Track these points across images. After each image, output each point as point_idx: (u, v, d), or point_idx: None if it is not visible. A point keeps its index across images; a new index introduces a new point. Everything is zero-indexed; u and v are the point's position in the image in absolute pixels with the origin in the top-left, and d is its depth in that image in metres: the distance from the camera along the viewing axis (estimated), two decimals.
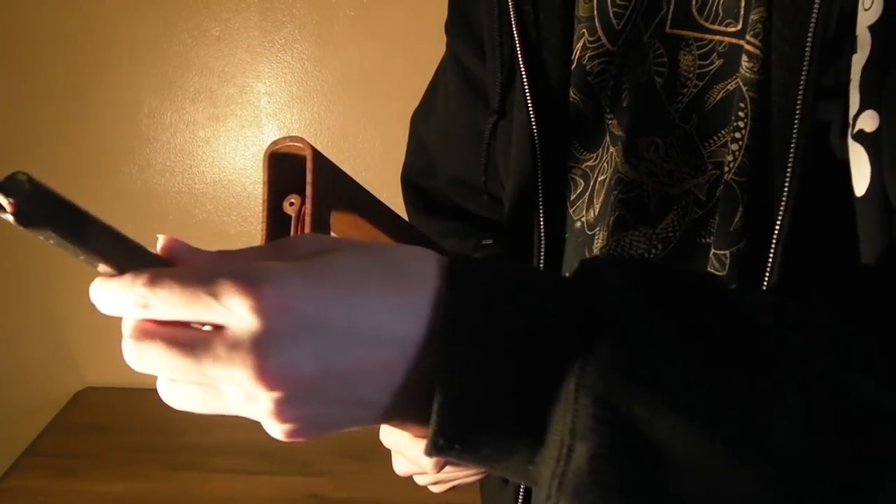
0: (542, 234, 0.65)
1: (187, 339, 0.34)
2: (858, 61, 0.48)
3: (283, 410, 0.35)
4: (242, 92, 1.71)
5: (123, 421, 1.69)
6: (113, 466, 1.53)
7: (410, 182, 0.88)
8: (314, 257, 0.37)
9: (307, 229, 0.48)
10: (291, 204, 0.49)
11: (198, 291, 0.33)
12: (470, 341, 0.36)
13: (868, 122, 0.47)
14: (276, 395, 0.35)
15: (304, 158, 0.49)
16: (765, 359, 0.37)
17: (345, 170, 0.53)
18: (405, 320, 0.36)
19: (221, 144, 1.74)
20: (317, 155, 0.49)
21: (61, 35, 1.67)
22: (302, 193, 0.49)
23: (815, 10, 0.48)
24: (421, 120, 0.86)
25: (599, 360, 0.35)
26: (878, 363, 0.40)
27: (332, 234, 0.53)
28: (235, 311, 0.33)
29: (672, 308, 0.37)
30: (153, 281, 0.34)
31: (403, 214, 0.90)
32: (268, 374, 0.34)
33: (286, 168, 0.50)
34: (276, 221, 0.50)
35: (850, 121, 0.48)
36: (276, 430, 0.37)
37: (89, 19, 1.66)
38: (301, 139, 0.49)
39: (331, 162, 0.51)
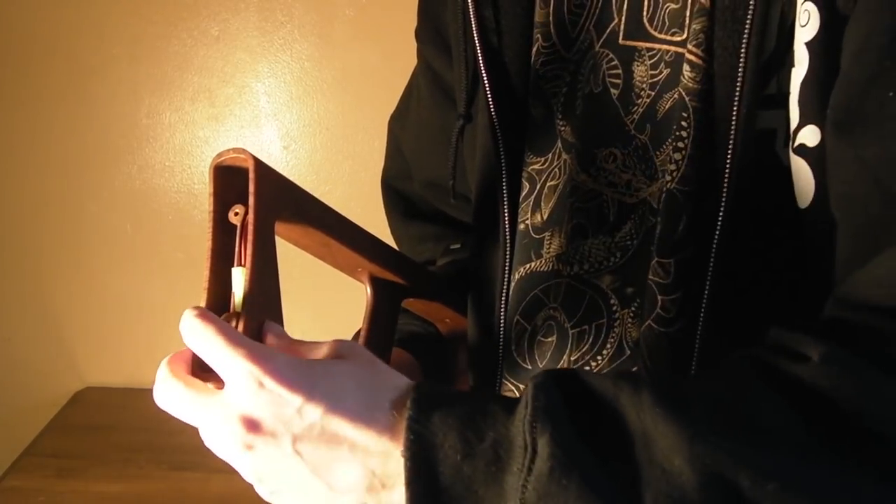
0: (507, 234, 0.66)
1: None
2: (797, 76, 0.47)
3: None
4: (241, 92, 1.71)
5: (123, 421, 1.69)
6: (112, 466, 1.53)
7: (389, 186, 0.90)
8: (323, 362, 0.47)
9: (251, 237, 0.49)
10: (236, 214, 0.50)
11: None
12: (429, 470, 0.43)
13: (809, 136, 0.46)
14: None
15: (248, 170, 0.49)
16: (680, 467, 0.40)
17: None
18: (370, 446, 0.45)
19: (221, 144, 1.73)
20: (259, 165, 0.49)
21: (61, 35, 1.68)
22: (246, 204, 0.49)
23: (748, 21, 0.48)
24: (397, 124, 0.88)
25: (536, 480, 0.40)
26: (806, 441, 0.40)
27: (283, 241, 0.54)
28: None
29: (597, 434, 0.42)
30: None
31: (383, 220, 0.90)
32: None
33: (232, 180, 0.51)
34: (223, 231, 0.51)
35: (791, 134, 0.48)
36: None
37: (89, 19, 1.67)
38: (244, 151, 0.49)
39: (276, 172, 0.51)
